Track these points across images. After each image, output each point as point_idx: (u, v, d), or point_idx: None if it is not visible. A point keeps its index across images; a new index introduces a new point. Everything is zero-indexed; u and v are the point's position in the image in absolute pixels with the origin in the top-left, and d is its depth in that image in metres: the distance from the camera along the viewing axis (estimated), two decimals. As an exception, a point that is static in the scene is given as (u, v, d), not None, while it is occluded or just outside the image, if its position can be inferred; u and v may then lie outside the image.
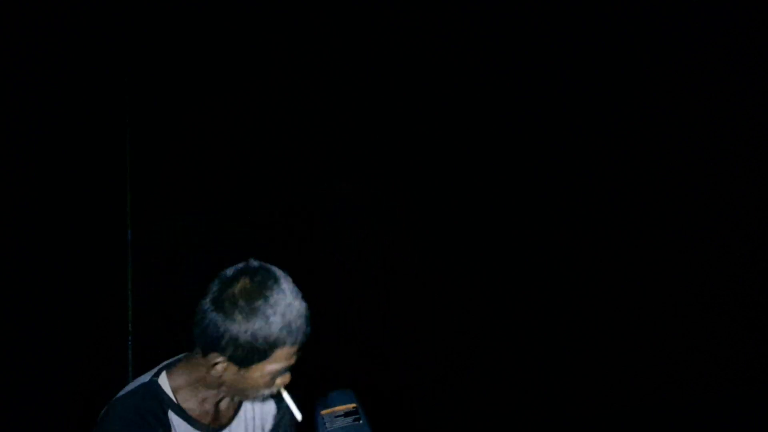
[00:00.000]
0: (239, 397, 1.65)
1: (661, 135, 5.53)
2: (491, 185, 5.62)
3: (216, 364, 1.52)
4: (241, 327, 1.45)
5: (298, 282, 1.73)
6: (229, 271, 1.53)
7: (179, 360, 1.69)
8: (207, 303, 1.50)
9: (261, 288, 1.48)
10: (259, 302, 1.47)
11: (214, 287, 1.52)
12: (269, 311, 1.46)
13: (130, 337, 4.33)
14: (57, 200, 4.63)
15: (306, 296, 1.70)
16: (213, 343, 1.48)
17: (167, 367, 1.67)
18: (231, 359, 1.49)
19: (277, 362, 1.51)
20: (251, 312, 1.46)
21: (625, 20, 5.33)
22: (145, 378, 1.66)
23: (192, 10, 4.85)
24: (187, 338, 1.58)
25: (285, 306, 1.48)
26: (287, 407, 1.66)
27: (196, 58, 4.95)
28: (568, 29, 5.42)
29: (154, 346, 4.63)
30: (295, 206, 5.18)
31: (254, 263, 1.55)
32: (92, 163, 4.71)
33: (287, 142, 5.25)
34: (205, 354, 1.53)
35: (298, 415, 1.67)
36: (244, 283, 1.49)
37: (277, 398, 1.69)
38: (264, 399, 1.65)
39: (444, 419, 5.02)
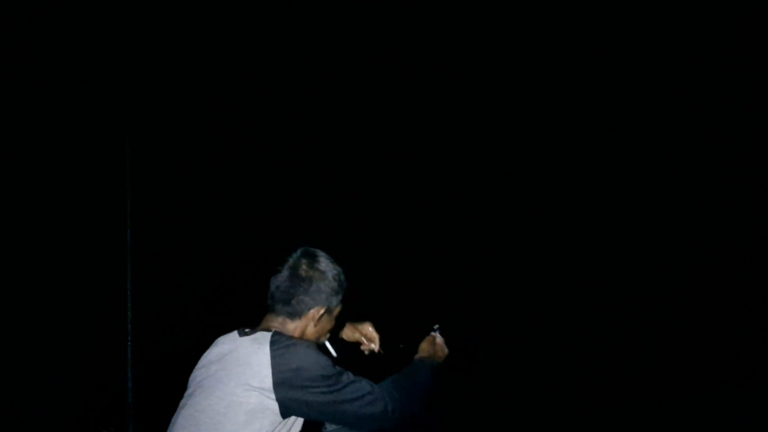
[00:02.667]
0: None
1: (662, 136, 5.53)
2: (494, 187, 5.63)
3: (320, 317, 2.05)
4: (331, 277, 2.05)
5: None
6: (293, 255, 2.07)
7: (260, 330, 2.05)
8: (297, 276, 2.03)
9: (322, 254, 2.08)
10: (328, 261, 2.09)
11: (291, 266, 2.04)
12: (336, 265, 2.09)
13: (129, 337, 4.34)
14: (57, 200, 4.64)
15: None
16: (317, 298, 2.03)
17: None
18: (327, 306, 2.05)
19: (340, 306, 2.09)
20: (332, 266, 2.07)
21: (625, 20, 5.34)
22: (266, 332, 2.00)
23: (191, 12, 4.86)
24: (275, 312, 2.04)
25: (334, 261, 2.12)
26: None
27: (196, 59, 4.96)
28: (566, 30, 5.43)
29: (153, 346, 4.64)
30: (294, 206, 5.18)
31: (297, 249, 2.09)
32: (92, 164, 4.71)
33: (286, 142, 5.26)
34: (301, 316, 2.04)
35: (334, 353, 2.27)
36: (308, 254, 2.07)
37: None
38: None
39: (442, 419, 5.02)
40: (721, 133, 5.37)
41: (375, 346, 2.44)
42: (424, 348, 2.36)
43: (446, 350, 2.40)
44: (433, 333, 2.44)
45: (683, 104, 5.41)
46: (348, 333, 2.45)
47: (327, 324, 2.11)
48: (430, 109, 5.51)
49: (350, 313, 2.53)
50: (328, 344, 2.26)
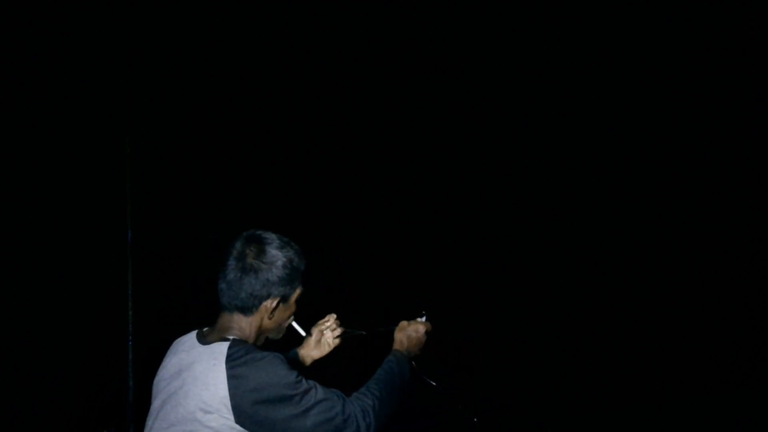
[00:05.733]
0: (273, 336, 2.02)
1: (662, 136, 5.53)
2: (494, 187, 5.63)
3: (274, 309, 1.92)
4: (281, 265, 1.89)
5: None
6: (237, 243, 1.92)
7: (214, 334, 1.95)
8: (244, 268, 1.88)
9: (271, 238, 1.92)
10: (278, 245, 1.92)
11: (237, 257, 1.89)
12: (288, 247, 1.93)
13: (130, 337, 4.33)
14: (57, 200, 4.63)
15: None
16: (268, 290, 1.89)
17: (224, 337, 1.92)
18: (281, 296, 1.92)
19: (299, 289, 1.96)
20: (281, 252, 1.91)
21: (625, 20, 5.34)
22: (223, 342, 1.87)
23: (191, 12, 4.85)
24: (227, 309, 1.94)
25: (287, 243, 1.96)
26: None
27: (196, 59, 4.96)
28: (564, 29, 5.43)
29: (154, 346, 4.64)
30: (294, 206, 5.18)
31: (242, 234, 1.94)
32: (92, 163, 4.71)
33: (286, 142, 5.26)
34: (253, 311, 1.91)
35: (303, 332, 2.21)
36: (254, 240, 1.91)
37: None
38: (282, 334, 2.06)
39: (441, 419, 5.02)
40: (721, 133, 5.37)
41: (330, 323, 2.39)
42: (401, 339, 2.22)
43: (423, 340, 2.26)
44: (419, 320, 2.30)
45: (683, 104, 5.41)
46: (312, 344, 2.38)
47: (284, 313, 1.98)
48: (430, 109, 5.51)
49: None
50: (295, 324, 2.15)
